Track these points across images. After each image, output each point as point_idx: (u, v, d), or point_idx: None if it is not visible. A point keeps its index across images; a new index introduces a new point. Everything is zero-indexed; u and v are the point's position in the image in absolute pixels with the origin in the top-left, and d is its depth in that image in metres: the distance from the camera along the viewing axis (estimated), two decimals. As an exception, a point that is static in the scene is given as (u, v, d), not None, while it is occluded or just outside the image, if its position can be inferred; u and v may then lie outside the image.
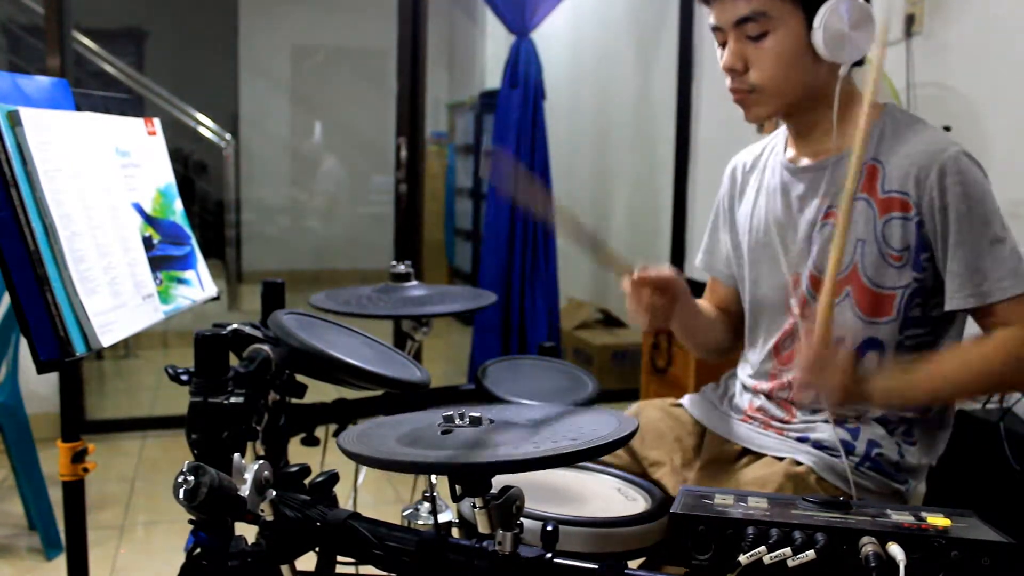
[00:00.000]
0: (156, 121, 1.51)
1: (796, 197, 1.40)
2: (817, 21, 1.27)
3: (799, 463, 1.31)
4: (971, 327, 1.34)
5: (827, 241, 1.33)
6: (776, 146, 1.48)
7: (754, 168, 1.51)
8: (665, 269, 1.39)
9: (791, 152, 1.44)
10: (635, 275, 1.37)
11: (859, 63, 1.36)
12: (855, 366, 1.23)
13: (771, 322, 1.44)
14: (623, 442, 0.89)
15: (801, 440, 1.34)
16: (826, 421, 1.34)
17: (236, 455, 0.98)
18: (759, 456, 1.37)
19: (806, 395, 1.31)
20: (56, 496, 1.99)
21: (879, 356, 1.33)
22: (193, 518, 0.95)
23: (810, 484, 1.30)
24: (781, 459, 1.34)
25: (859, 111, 1.35)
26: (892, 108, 1.36)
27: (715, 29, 1.34)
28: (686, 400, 1.57)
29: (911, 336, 1.32)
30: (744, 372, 1.51)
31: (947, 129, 2.37)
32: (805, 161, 1.40)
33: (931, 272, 1.29)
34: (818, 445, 1.32)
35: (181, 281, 1.44)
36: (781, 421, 1.40)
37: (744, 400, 1.47)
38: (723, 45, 1.35)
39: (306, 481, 1.05)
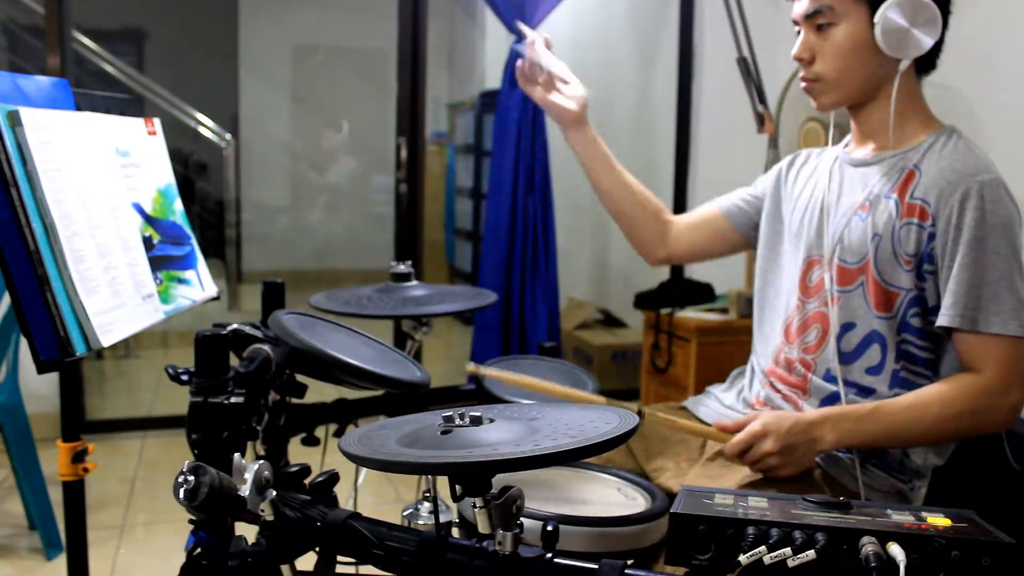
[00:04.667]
0: (156, 121, 1.51)
1: (839, 185, 1.43)
2: (877, 16, 1.30)
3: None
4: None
5: (852, 232, 1.36)
6: (844, 139, 1.52)
7: (818, 156, 1.55)
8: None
9: (852, 144, 1.48)
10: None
11: (929, 68, 1.39)
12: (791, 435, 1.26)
13: (786, 302, 1.47)
14: (623, 439, 0.89)
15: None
16: None
17: (236, 455, 0.98)
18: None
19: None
20: (56, 496, 1.99)
21: (881, 350, 1.34)
22: (193, 518, 0.95)
23: (816, 480, 1.31)
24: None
25: (918, 116, 1.37)
26: (952, 128, 1.38)
27: (794, 22, 1.40)
28: (689, 402, 1.58)
29: (908, 342, 1.33)
30: (755, 357, 1.52)
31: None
32: (860, 154, 1.44)
33: (931, 285, 1.30)
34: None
35: (181, 281, 1.44)
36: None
37: (752, 394, 1.48)
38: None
39: (306, 481, 1.05)
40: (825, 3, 1.34)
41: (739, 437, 1.28)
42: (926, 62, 1.38)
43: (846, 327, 1.36)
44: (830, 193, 1.43)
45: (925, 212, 1.29)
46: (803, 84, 1.41)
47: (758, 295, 1.56)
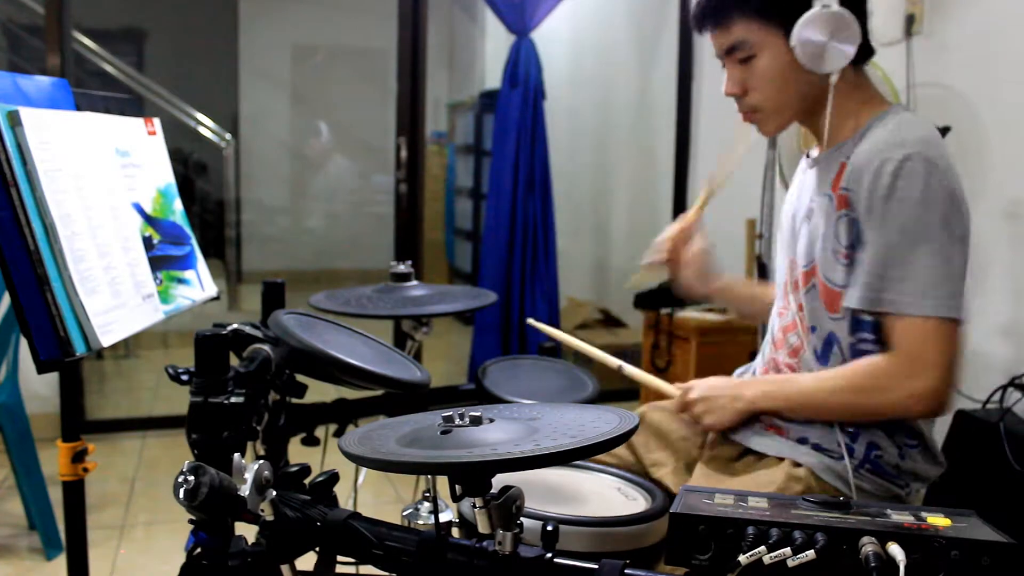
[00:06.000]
0: (156, 121, 1.51)
1: (801, 187, 1.44)
2: (793, 40, 1.28)
3: (799, 464, 1.31)
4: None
5: (805, 235, 1.36)
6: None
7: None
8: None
9: (814, 146, 1.48)
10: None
11: (865, 58, 1.36)
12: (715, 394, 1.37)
13: (778, 307, 1.47)
14: (623, 439, 0.89)
15: (801, 441, 1.34)
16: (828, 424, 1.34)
17: (236, 455, 0.98)
18: (761, 457, 1.37)
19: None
20: (56, 496, 1.99)
21: (840, 352, 1.32)
22: (193, 518, 0.95)
23: (811, 486, 1.30)
24: (782, 459, 1.34)
25: (863, 107, 1.35)
26: (898, 108, 1.35)
27: (718, 57, 1.39)
28: None
29: (864, 340, 1.30)
30: (760, 357, 1.53)
31: (947, 129, 2.36)
32: (814, 154, 1.44)
33: None
34: (818, 447, 1.32)
35: (181, 281, 1.44)
36: (782, 419, 1.40)
37: None
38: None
39: (306, 481, 1.05)
40: (738, 38, 1.32)
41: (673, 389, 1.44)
42: (861, 54, 1.33)
43: (812, 330, 1.36)
44: (796, 198, 1.44)
45: (846, 199, 1.27)
46: (743, 118, 1.40)
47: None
